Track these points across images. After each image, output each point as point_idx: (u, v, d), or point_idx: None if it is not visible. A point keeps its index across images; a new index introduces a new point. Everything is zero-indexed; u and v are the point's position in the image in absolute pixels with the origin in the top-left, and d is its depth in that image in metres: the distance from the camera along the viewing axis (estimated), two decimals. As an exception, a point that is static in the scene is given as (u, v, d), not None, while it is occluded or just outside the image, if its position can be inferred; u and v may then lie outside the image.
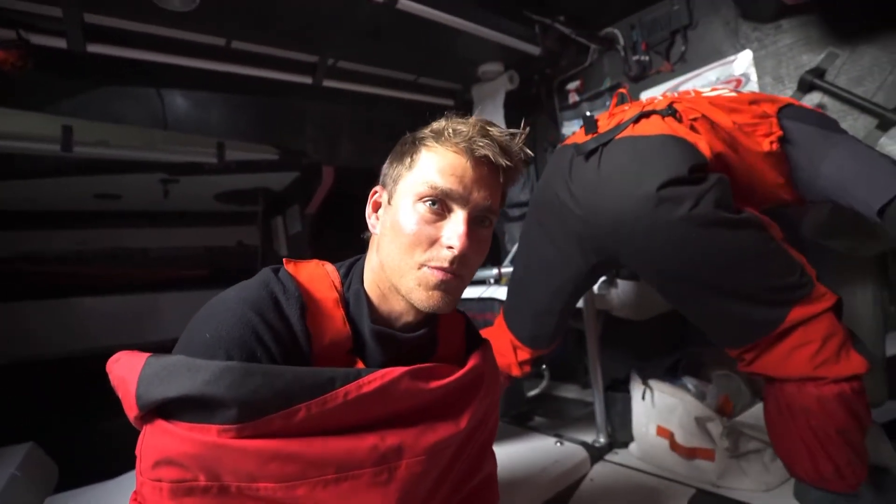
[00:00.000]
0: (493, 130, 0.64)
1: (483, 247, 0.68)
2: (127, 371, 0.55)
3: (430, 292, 0.63)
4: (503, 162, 0.63)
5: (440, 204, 0.63)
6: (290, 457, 0.53)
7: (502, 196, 0.70)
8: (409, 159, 0.66)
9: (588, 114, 1.19)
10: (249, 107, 2.24)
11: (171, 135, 2.23)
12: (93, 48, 1.41)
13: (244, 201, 3.49)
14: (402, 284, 0.64)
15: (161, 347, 0.60)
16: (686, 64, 1.80)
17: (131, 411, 0.54)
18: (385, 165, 0.71)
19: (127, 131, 2.24)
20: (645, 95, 1.91)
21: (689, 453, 1.32)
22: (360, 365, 0.65)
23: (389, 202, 0.68)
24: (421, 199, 0.63)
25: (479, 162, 0.63)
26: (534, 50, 1.93)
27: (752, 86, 1.64)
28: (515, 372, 1.41)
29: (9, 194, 2.72)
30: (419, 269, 0.63)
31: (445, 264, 0.62)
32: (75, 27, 1.31)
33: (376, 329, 0.66)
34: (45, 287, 3.08)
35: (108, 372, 0.57)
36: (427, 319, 0.71)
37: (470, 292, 1.82)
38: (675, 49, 1.82)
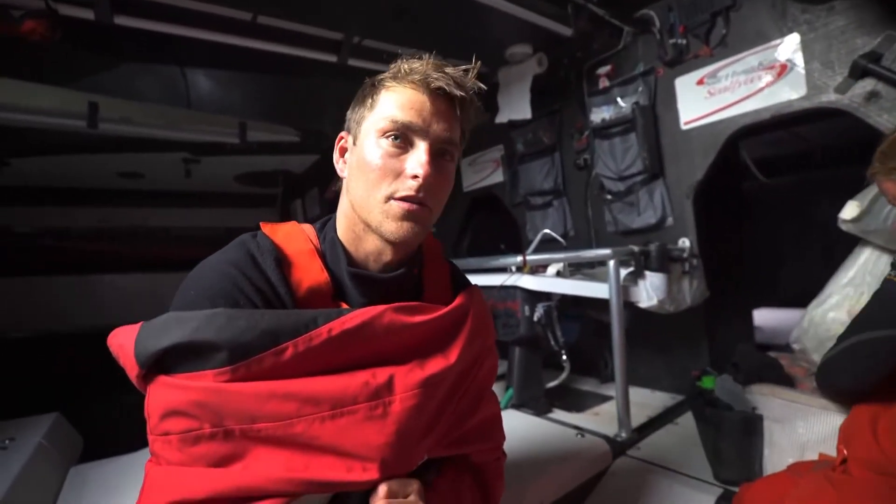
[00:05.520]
0: (447, 67, 0.69)
1: (447, 180, 0.71)
2: (125, 338, 0.59)
3: (400, 223, 0.66)
4: (457, 93, 0.67)
5: (402, 137, 0.66)
6: (286, 396, 0.56)
7: (463, 133, 0.73)
8: (370, 100, 0.69)
9: None
10: (272, 86, 2.21)
11: (194, 114, 2.23)
12: (120, 20, 1.39)
13: (264, 183, 3.50)
14: (371, 219, 0.67)
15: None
16: (726, 48, 1.71)
17: (133, 371, 0.57)
18: (348, 112, 0.74)
19: (151, 109, 2.25)
20: (680, 81, 1.83)
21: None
22: (345, 307, 0.68)
23: (354, 143, 0.71)
24: (384, 134, 0.66)
25: (436, 95, 0.67)
26: (565, 31, 1.86)
27: (798, 72, 1.55)
28: None
29: (35, 170, 2.76)
30: (386, 202, 0.66)
31: (412, 193, 0.65)
32: (103, -2, 1.30)
33: (353, 271, 0.70)
34: (68, 263, 3.14)
35: (109, 345, 0.61)
36: (405, 259, 0.73)
37: (492, 280, 1.78)
38: (716, 32, 1.73)
